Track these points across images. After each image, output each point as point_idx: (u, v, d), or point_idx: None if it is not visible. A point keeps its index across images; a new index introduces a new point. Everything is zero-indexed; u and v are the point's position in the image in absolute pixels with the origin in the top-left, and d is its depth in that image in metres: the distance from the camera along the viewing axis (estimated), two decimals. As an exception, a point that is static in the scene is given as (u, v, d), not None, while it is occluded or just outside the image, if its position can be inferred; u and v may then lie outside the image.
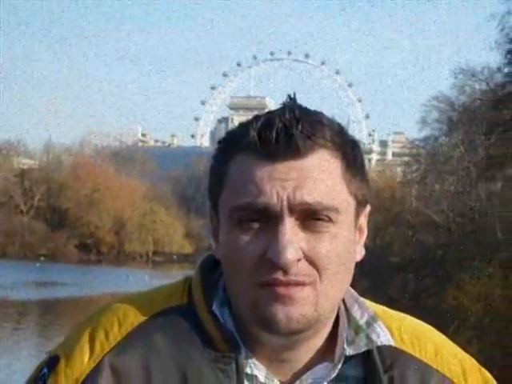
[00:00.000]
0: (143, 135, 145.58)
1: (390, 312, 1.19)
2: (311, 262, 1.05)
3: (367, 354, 1.12)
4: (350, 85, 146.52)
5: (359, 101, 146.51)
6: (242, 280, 1.06)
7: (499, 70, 26.13)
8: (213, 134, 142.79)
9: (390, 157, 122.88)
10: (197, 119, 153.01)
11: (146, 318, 1.11)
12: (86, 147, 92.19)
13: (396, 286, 27.09)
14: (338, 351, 1.11)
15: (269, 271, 1.04)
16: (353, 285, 1.14)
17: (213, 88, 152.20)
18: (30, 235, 66.67)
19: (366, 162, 1.20)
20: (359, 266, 1.14)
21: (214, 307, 1.10)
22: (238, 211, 1.06)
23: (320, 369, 1.11)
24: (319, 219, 1.05)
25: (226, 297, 1.11)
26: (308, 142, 1.05)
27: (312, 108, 1.11)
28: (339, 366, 1.11)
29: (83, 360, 1.08)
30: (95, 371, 1.07)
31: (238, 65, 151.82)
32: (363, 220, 1.14)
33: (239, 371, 1.08)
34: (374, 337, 1.12)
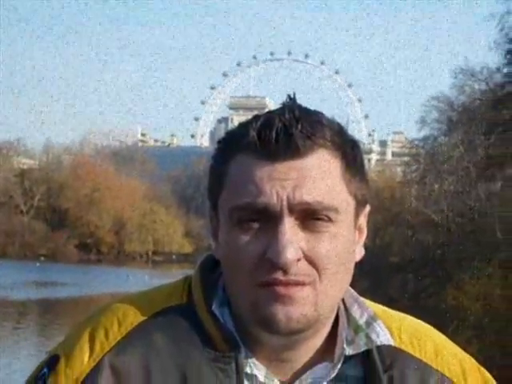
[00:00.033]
0: (143, 135, 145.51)
1: (390, 312, 1.19)
2: (311, 262, 1.05)
3: (367, 354, 1.12)
4: (349, 85, 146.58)
5: (359, 101, 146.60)
6: (241, 280, 1.06)
7: (498, 70, 26.14)
8: (212, 133, 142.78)
9: (389, 157, 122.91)
10: (196, 119, 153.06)
11: (145, 317, 1.11)
12: (85, 147, 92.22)
13: (395, 286, 27.09)
14: (337, 351, 1.11)
15: (268, 271, 1.04)
16: (352, 285, 1.14)
17: (213, 88, 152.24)
18: (30, 235, 66.69)
19: (366, 161, 1.20)
20: (359, 265, 1.14)
21: (214, 307, 1.10)
22: (237, 211, 1.06)
23: (320, 368, 1.11)
24: (319, 219, 1.05)
25: (225, 297, 1.11)
26: (308, 142, 1.06)
27: (312, 108, 1.11)
28: (339, 366, 1.11)
29: (83, 359, 1.08)
30: (95, 371, 1.07)
31: (238, 65, 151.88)
32: (363, 220, 1.14)
33: (239, 371, 1.08)
34: (373, 336, 1.12)
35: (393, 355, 1.13)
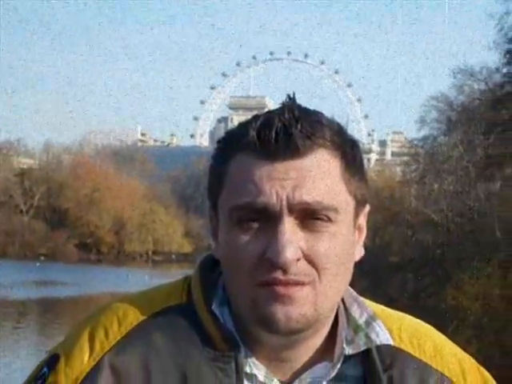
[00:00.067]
0: (143, 135, 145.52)
1: (390, 311, 1.19)
2: (310, 262, 1.05)
3: (366, 354, 1.12)
4: (349, 85, 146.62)
5: (358, 100, 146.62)
6: (241, 279, 1.06)
7: (498, 69, 26.15)
8: (212, 133, 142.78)
9: (389, 156, 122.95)
10: (196, 119, 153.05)
11: (145, 317, 1.11)
12: (85, 147, 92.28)
13: (395, 286, 27.08)
14: (337, 350, 1.11)
15: (268, 271, 1.04)
16: (352, 284, 1.14)
17: (212, 88, 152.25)
18: (29, 235, 66.68)
19: (365, 161, 1.20)
20: (358, 265, 1.14)
21: (214, 306, 1.10)
22: (237, 211, 1.06)
23: (319, 368, 1.11)
24: (318, 219, 1.05)
25: (225, 296, 1.11)
26: (307, 142, 1.06)
27: (311, 108, 1.11)
28: (338, 366, 1.11)
29: (83, 359, 1.08)
30: (95, 370, 1.07)
31: (238, 64, 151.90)
32: (362, 220, 1.14)
33: (238, 370, 1.08)
34: (373, 336, 1.12)
35: (392, 355, 1.13)
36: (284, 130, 1.05)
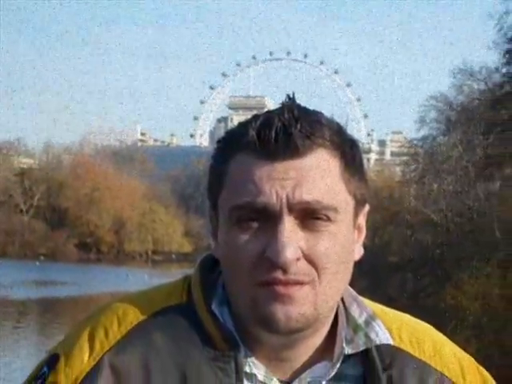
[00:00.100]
0: (142, 134, 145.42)
1: (389, 311, 1.19)
2: (310, 261, 1.05)
3: (366, 353, 1.12)
4: (348, 84, 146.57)
5: (358, 100, 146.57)
6: (241, 279, 1.06)
7: (497, 69, 26.19)
8: (212, 133, 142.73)
9: (388, 156, 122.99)
10: (196, 119, 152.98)
11: (145, 316, 1.11)
12: (85, 146, 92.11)
13: (395, 286, 27.09)
14: (336, 350, 1.11)
15: (268, 270, 1.04)
16: (351, 284, 1.14)
17: (212, 88, 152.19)
18: (29, 234, 66.67)
19: (365, 161, 1.21)
20: (358, 265, 1.14)
21: (214, 306, 1.11)
22: (237, 210, 1.06)
23: (319, 368, 1.11)
24: (318, 218, 1.05)
25: (225, 296, 1.12)
26: (307, 142, 1.06)
27: (311, 107, 1.11)
28: (338, 365, 1.11)
29: (83, 359, 1.08)
30: (95, 370, 1.07)
31: (238, 64, 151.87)
32: (362, 219, 1.14)
33: (238, 370, 1.08)
34: (372, 336, 1.12)
35: (392, 354, 1.13)
36: (284, 130, 1.05)
